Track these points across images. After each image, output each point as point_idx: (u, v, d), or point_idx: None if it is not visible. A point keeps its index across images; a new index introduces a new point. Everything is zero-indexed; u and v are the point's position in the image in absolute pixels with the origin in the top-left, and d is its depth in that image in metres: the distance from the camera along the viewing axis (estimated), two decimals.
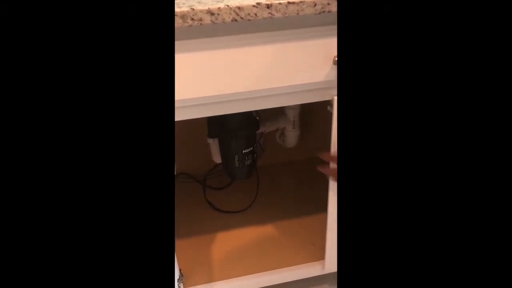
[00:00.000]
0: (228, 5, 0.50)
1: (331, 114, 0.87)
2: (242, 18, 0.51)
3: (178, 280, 0.75)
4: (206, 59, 0.55)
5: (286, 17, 0.52)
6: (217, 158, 0.91)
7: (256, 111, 0.90)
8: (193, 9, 0.50)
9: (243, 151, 0.84)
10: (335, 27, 0.54)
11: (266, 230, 0.91)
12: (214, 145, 0.90)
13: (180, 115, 0.59)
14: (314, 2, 0.52)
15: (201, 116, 0.61)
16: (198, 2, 0.51)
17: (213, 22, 0.50)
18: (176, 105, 0.56)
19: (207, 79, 0.57)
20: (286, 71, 0.58)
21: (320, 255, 0.83)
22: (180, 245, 0.86)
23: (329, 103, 0.86)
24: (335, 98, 0.64)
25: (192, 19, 0.50)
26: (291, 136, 1.00)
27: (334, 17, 0.54)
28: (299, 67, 0.58)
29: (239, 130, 0.82)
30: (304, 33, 0.56)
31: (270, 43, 0.56)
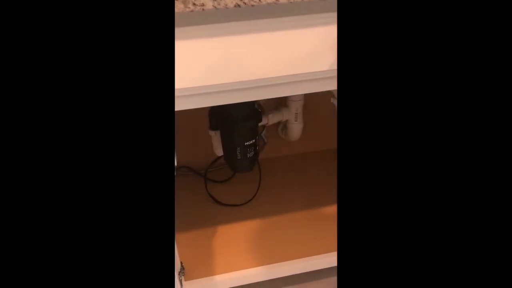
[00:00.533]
0: None
1: (334, 106, 0.85)
2: (245, 3, 0.49)
3: (179, 273, 0.74)
4: (208, 46, 0.54)
5: (291, 2, 0.51)
6: (219, 151, 0.90)
7: (259, 103, 0.89)
8: None
9: (245, 144, 0.82)
10: None
11: (268, 223, 0.91)
12: (215, 137, 0.89)
13: (180, 105, 0.58)
14: None
15: (202, 106, 0.60)
16: None
17: (215, 7, 0.49)
18: (176, 94, 0.54)
19: (209, 67, 0.55)
20: (290, 59, 0.57)
21: (323, 248, 0.83)
22: (182, 238, 0.86)
23: (332, 95, 0.85)
24: None
25: (194, 4, 0.48)
26: (294, 129, 0.99)
27: None
28: (303, 55, 0.57)
29: (241, 122, 0.81)
30: (309, 20, 0.55)
31: (274, 30, 0.54)
